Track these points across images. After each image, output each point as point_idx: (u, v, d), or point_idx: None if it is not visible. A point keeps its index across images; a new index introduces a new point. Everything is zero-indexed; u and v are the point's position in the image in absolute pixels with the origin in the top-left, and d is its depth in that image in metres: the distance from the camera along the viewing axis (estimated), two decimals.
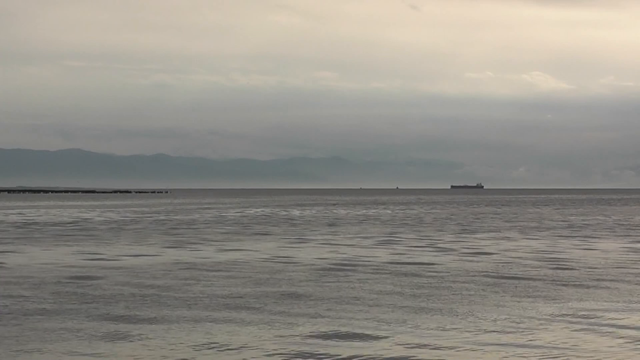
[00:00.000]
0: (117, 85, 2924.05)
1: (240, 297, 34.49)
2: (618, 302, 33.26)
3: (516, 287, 38.03)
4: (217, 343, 24.61)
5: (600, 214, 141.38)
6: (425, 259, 52.33)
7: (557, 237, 75.76)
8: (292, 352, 23.24)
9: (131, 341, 24.90)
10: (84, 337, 25.51)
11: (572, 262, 50.66)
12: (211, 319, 28.86)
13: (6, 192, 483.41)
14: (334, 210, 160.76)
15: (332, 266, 47.75)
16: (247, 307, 31.50)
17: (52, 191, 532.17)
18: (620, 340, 25.09)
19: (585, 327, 27.33)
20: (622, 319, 29.08)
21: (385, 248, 62.39)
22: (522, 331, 26.52)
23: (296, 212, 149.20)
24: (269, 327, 27.19)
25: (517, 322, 28.16)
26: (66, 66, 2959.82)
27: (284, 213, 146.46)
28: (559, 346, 24.18)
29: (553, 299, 33.79)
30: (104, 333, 26.11)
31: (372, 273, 43.92)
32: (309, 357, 22.67)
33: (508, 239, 73.65)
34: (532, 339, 25.25)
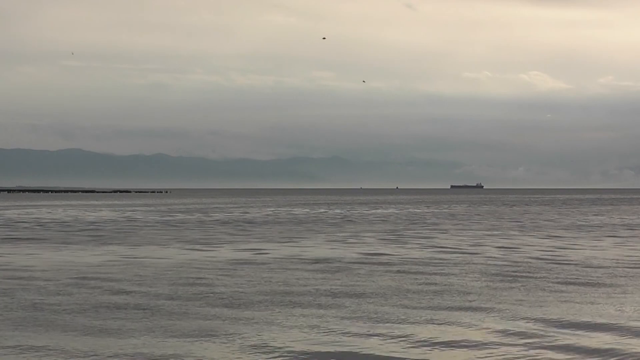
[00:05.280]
0: (115, 85, 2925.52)
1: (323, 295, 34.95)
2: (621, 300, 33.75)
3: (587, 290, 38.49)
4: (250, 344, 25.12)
5: (601, 214, 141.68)
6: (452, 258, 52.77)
7: (565, 237, 76.17)
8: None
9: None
10: (90, 333, 26.05)
11: (582, 261, 51.13)
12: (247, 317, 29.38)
13: (6, 192, 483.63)
14: (349, 210, 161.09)
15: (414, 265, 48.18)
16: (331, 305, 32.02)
17: (52, 191, 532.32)
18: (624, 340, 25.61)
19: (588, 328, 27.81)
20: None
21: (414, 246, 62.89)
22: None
23: (320, 211, 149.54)
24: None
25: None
26: (64, 66, 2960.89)
27: (298, 212, 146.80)
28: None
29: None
30: (108, 331, 26.64)
31: (393, 272, 44.41)
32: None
33: (526, 237, 74.07)
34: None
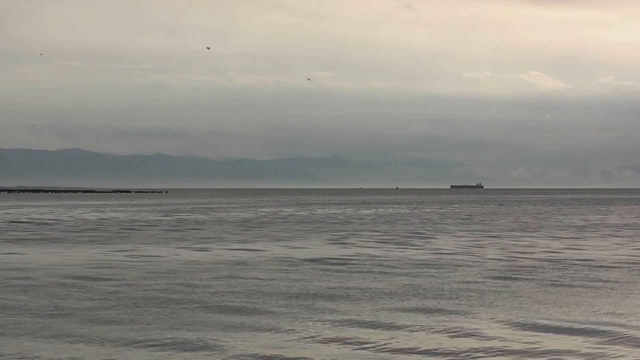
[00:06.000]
0: (115, 85, 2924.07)
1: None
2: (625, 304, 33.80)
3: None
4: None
5: (602, 214, 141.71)
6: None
7: (569, 237, 76.17)
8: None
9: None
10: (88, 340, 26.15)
11: (591, 261, 51.08)
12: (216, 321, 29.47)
13: (6, 192, 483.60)
14: (349, 210, 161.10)
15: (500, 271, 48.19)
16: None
17: (52, 191, 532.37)
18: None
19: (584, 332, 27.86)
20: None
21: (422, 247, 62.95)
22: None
23: (335, 211, 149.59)
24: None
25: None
26: (64, 66, 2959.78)
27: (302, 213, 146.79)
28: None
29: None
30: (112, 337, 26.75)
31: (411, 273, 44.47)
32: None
33: (530, 238, 74.08)
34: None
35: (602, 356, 22.99)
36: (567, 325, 27.49)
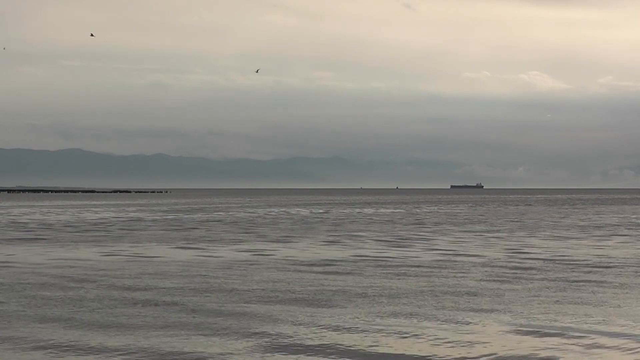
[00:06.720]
0: (115, 85, 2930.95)
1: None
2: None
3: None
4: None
5: (603, 214, 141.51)
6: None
7: (574, 237, 75.76)
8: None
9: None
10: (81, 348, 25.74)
11: (601, 261, 50.60)
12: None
13: (6, 192, 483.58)
14: (350, 210, 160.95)
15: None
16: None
17: (52, 191, 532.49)
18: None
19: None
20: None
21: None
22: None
23: (334, 211, 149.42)
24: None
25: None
26: (64, 66, 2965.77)
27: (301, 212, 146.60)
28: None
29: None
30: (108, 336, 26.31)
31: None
32: None
33: (533, 238, 73.68)
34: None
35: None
36: (590, 327, 26.93)
